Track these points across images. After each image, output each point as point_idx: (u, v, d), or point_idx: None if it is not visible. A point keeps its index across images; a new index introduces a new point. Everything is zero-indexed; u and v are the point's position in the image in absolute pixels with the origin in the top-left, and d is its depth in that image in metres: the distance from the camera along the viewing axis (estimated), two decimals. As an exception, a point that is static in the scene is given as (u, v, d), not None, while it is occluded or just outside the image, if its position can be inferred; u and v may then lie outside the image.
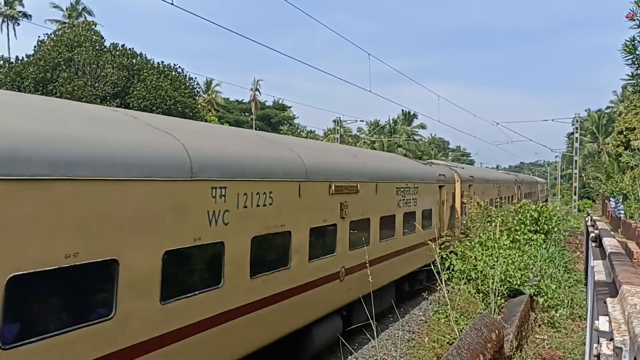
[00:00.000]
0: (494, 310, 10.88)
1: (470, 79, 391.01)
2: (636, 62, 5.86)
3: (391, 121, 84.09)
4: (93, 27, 43.26)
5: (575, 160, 54.36)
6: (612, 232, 12.05)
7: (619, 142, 41.48)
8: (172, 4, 13.14)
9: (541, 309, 12.81)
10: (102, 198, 5.28)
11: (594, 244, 10.63)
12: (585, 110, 73.16)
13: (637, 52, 5.71)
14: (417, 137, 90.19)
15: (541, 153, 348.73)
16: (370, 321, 7.44)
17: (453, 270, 12.91)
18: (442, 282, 9.60)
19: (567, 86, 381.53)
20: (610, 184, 20.46)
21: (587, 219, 18.79)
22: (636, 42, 5.69)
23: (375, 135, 76.44)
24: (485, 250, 13.32)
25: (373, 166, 13.00)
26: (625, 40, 5.76)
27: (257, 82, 75.41)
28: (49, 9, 58.68)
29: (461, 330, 9.36)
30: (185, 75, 44.05)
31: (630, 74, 6.11)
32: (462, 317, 10.71)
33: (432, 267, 10.64)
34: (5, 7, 64.44)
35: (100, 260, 5.25)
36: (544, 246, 17.08)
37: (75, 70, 37.05)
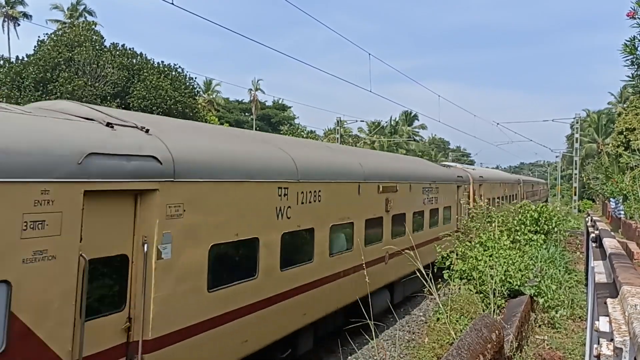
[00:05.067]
0: (494, 311, 10.88)
1: (471, 79, 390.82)
2: (636, 63, 5.82)
3: (392, 121, 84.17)
4: (93, 27, 43.24)
5: (575, 161, 54.33)
6: (613, 233, 12.04)
7: (619, 143, 41.43)
8: (172, 3, 13.13)
9: (541, 309, 12.80)
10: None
11: (594, 245, 10.62)
12: (584, 110, 73.23)
13: (638, 52, 5.66)
14: (417, 138, 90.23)
15: (541, 153, 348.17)
16: (369, 322, 7.43)
17: (453, 270, 12.92)
18: (432, 288, 9.49)
19: (567, 86, 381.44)
20: (611, 184, 20.44)
21: (587, 219, 18.78)
22: (636, 41, 5.65)
23: (375, 136, 76.42)
24: (486, 250, 13.32)
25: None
26: (625, 40, 5.71)
27: (258, 81, 75.48)
28: (51, 9, 58.57)
29: (461, 331, 9.35)
30: (186, 75, 44.06)
31: (631, 75, 6.07)
32: (462, 317, 10.70)
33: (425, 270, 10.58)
34: (7, 7, 64.41)
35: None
36: (544, 246, 17.06)
37: (76, 70, 37.02)
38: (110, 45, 41.00)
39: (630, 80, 6.25)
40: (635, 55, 5.63)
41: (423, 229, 15.51)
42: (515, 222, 18.01)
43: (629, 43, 5.61)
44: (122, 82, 38.69)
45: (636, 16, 5.42)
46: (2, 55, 41.41)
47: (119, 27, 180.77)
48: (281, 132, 63.77)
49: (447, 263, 13.30)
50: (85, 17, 56.36)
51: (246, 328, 7.63)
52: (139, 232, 6.04)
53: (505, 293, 12.33)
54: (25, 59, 38.72)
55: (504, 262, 12.66)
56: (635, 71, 5.95)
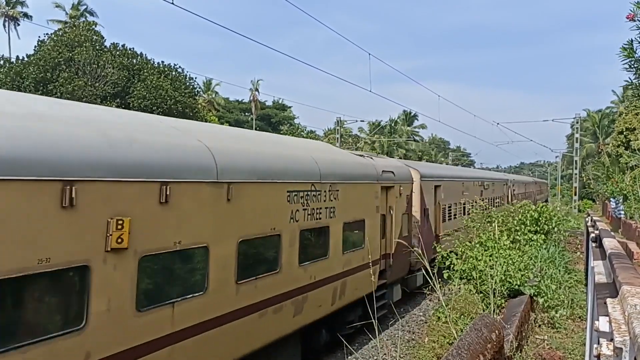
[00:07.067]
0: (494, 311, 10.88)
1: (471, 79, 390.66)
2: (634, 66, 5.77)
3: (391, 121, 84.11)
4: (93, 27, 43.26)
5: (576, 161, 54.31)
6: (613, 233, 12.04)
7: (619, 143, 41.43)
8: (173, 3, 13.13)
9: (541, 309, 12.81)
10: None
11: (594, 245, 10.63)
12: (585, 110, 73.19)
13: (636, 55, 5.62)
14: (417, 138, 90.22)
15: (541, 153, 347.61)
16: (372, 321, 7.44)
17: (453, 269, 12.92)
18: (435, 285, 9.48)
19: (567, 86, 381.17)
20: (611, 184, 20.44)
21: (587, 219, 18.77)
22: (635, 43, 5.61)
23: (375, 136, 76.40)
24: (486, 250, 13.32)
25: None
26: (624, 44, 5.66)
27: (258, 81, 75.39)
28: (52, 9, 58.60)
29: (461, 330, 9.35)
30: (186, 75, 44.07)
31: (630, 79, 6.03)
32: (461, 317, 10.71)
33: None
34: (7, 7, 64.38)
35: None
36: (544, 246, 17.06)
37: (76, 70, 37.03)
38: (110, 45, 41.02)
39: (629, 84, 6.22)
40: (633, 59, 5.58)
41: None
42: (515, 222, 18.02)
43: (627, 46, 5.56)
44: (122, 82, 38.70)
45: (636, 18, 5.38)
46: (3, 55, 41.48)
47: (119, 27, 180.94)
48: (281, 132, 63.78)
49: (447, 263, 13.31)
50: (86, 17, 56.35)
51: None
52: None
53: (505, 293, 12.34)
54: (26, 59, 38.75)
55: (504, 262, 12.67)
56: (634, 74, 5.90)
